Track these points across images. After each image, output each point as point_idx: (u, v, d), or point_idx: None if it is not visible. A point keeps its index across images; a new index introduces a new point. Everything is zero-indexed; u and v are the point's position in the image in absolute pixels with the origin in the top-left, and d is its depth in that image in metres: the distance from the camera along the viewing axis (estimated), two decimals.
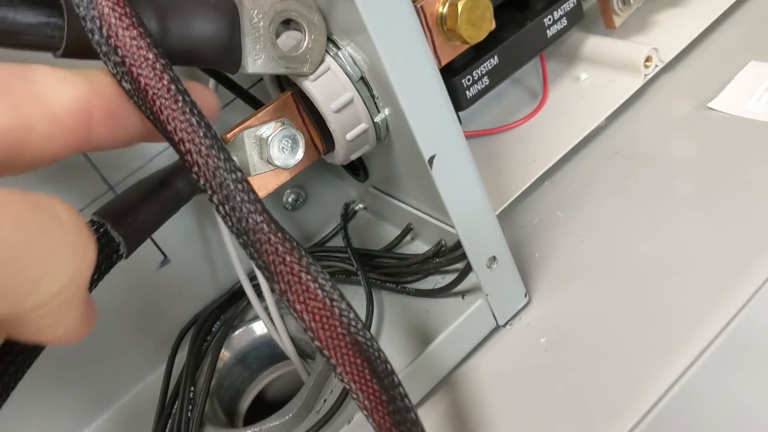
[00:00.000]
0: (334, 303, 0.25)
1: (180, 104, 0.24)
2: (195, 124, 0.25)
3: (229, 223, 0.25)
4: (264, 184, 0.37)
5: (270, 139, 0.36)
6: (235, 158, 0.34)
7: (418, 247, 0.46)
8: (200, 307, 0.49)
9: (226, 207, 0.25)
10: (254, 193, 0.26)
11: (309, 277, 0.25)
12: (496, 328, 0.40)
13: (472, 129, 0.53)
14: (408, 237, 0.47)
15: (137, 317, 0.47)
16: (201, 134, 0.25)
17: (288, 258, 0.25)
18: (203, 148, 0.25)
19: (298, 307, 0.25)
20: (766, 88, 0.46)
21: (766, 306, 0.36)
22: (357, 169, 0.47)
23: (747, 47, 0.51)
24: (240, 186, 0.25)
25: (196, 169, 0.25)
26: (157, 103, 0.25)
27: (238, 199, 0.25)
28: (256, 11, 0.33)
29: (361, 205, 0.53)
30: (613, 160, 0.47)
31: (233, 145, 0.35)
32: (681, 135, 0.46)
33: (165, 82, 0.24)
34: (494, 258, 0.37)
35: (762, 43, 0.51)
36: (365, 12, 0.30)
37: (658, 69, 0.50)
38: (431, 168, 0.32)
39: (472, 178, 0.34)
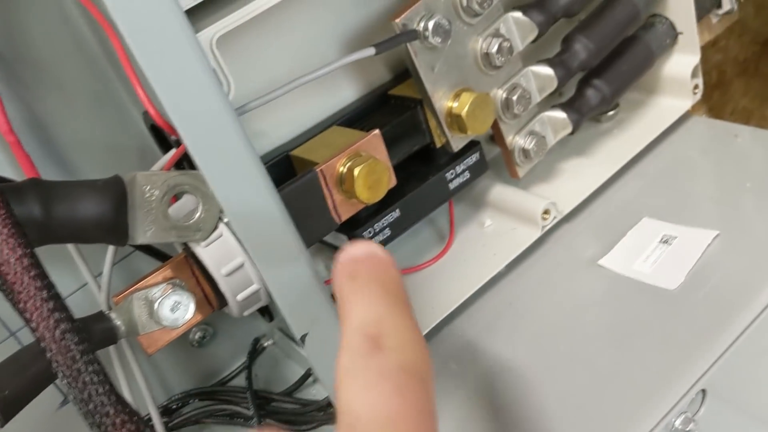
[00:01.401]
0: None
1: (39, 304, 0.27)
2: (49, 317, 0.27)
3: (77, 404, 0.27)
4: (154, 341, 0.39)
5: (159, 301, 0.37)
6: (122, 320, 0.36)
7: (319, 391, 0.48)
8: None
9: (74, 387, 0.27)
10: (105, 379, 0.27)
11: None
12: None
13: None
14: (310, 379, 0.48)
15: None
16: (53, 324, 0.27)
17: None
18: (56, 336, 0.27)
19: None
20: (654, 248, 0.49)
21: None
22: (264, 309, 0.49)
23: (643, 202, 0.54)
24: (90, 368, 0.27)
25: (49, 355, 0.27)
26: (20, 300, 0.27)
27: (87, 380, 0.27)
28: (149, 186, 0.35)
29: (270, 341, 0.54)
30: (507, 312, 0.49)
31: (121, 308, 0.37)
32: (569, 291, 0.49)
33: (34, 288, 0.27)
34: None
35: (657, 198, 0.54)
36: (222, 201, 0.32)
37: (556, 220, 0.53)
38: (303, 345, 0.34)
39: None
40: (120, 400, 0.28)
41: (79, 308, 0.37)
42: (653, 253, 0.49)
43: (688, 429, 0.40)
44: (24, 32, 0.40)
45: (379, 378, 0.22)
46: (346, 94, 0.51)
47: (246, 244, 0.32)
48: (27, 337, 0.45)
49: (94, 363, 0.27)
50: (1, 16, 0.39)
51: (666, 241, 0.49)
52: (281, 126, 0.49)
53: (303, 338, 0.34)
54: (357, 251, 0.26)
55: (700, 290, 0.45)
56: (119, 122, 0.43)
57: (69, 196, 0.31)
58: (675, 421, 0.40)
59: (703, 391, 0.41)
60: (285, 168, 0.47)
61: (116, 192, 0.33)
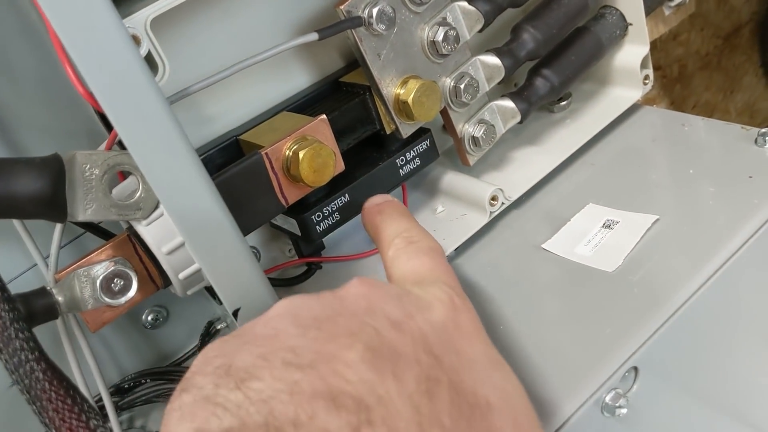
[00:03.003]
0: None
1: None
2: None
3: (9, 371, 0.28)
4: (97, 318, 0.39)
5: (101, 278, 0.38)
6: (63, 296, 0.37)
7: None
8: None
9: (5, 353, 0.28)
10: (36, 346, 0.28)
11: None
12: None
13: (341, 252, 0.56)
14: None
15: None
16: None
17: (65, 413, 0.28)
18: None
19: None
20: (596, 232, 0.51)
21: None
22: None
23: (589, 189, 0.56)
24: (21, 335, 0.28)
25: None
26: None
27: (17, 346, 0.28)
28: (88, 165, 0.36)
29: (224, 324, 0.55)
30: None
31: (63, 284, 0.38)
32: (513, 273, 0.50)
33: None
34: None
35: (603, 185, 0.56)
36: (149, 179, 0.33)
37: (504, 206, 0.54)
38: (236, 320, 0.35)
39: None
40: (50, 366, 0.29)
41: (29, 287, 0.38)
42: (595, 237, 0.50)
43: (618, 404, 0.41)
44: None
45: (417, 253, 0.36)
46: (299, 80, 0.52)
47: (175, 219, 0.33)
48: None
49: (25, 331, 0.28)
50: None
51: (608, 226, 0.51)
52: (234, 111, 0.50)
53: (236, 313, 0.35)
54: (377, 199, 0.43)
55: (637, 273, 0.46)
56: (69, 106, 0.44)
57: (4, 171, 0.32)
58: (605, 396, 0.41)
59: (635, 368, 0.43)
60: (234, 152, 0.48)
61: (54, 169, 0.34)
